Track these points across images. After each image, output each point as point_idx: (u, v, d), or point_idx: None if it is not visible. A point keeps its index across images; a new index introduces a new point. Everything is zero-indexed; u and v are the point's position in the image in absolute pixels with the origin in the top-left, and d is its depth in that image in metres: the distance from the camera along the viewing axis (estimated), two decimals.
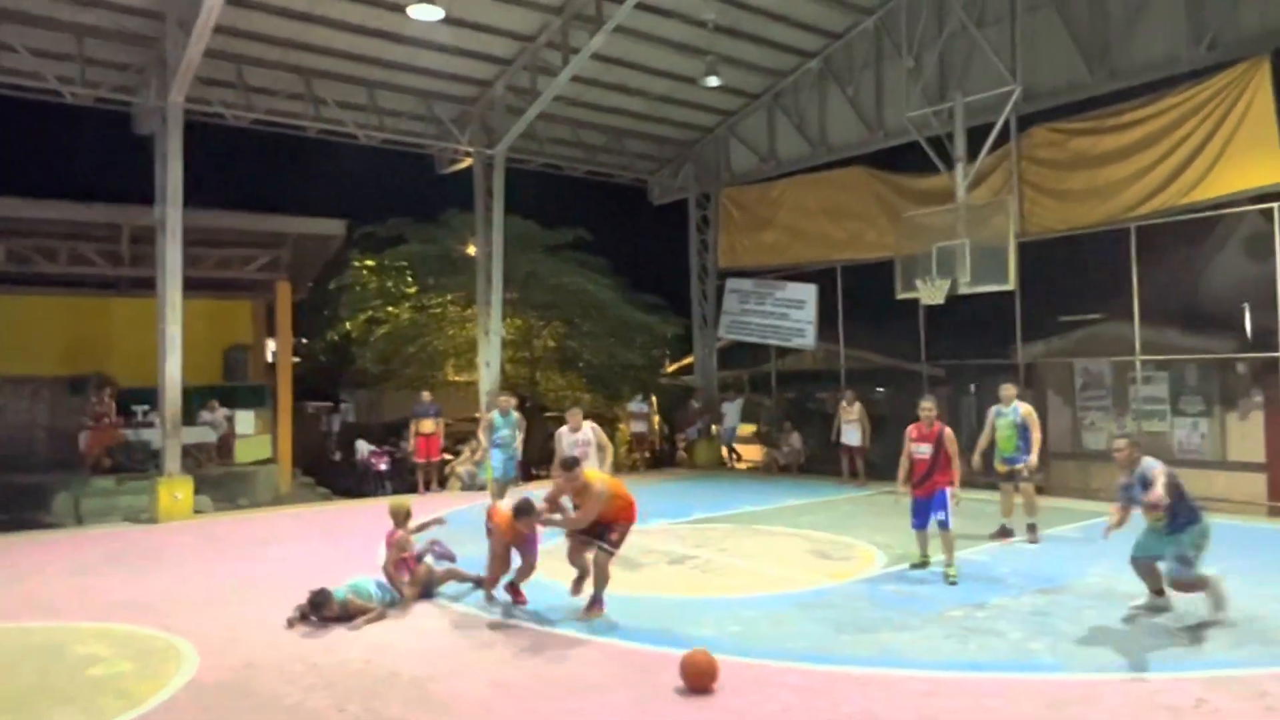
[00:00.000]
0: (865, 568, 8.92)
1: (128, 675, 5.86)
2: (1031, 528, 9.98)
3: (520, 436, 12.62)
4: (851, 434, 15.55)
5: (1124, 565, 8.44)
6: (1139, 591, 7.13)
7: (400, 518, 7.88)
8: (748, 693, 5.31)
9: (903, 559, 9.10)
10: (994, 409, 10.23)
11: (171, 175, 12.91)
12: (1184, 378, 14.32)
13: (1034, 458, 10.00)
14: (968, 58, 14.67)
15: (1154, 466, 6.57)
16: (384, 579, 7.64)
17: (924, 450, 8.36)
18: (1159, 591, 6.92)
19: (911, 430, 8.51)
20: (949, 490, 8.25)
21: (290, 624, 6.99)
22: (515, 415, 12.81)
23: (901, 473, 8.56)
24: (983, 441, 10.16)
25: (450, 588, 7.95)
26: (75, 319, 18.80)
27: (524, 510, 7.14)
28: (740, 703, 5.15)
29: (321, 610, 7.05)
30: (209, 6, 11.24)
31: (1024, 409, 10.06)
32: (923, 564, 8.58)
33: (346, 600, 7.12)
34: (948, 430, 8.42)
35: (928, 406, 8.56)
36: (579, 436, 9.68)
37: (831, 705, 5.07)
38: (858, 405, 15.57)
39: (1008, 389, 10.25)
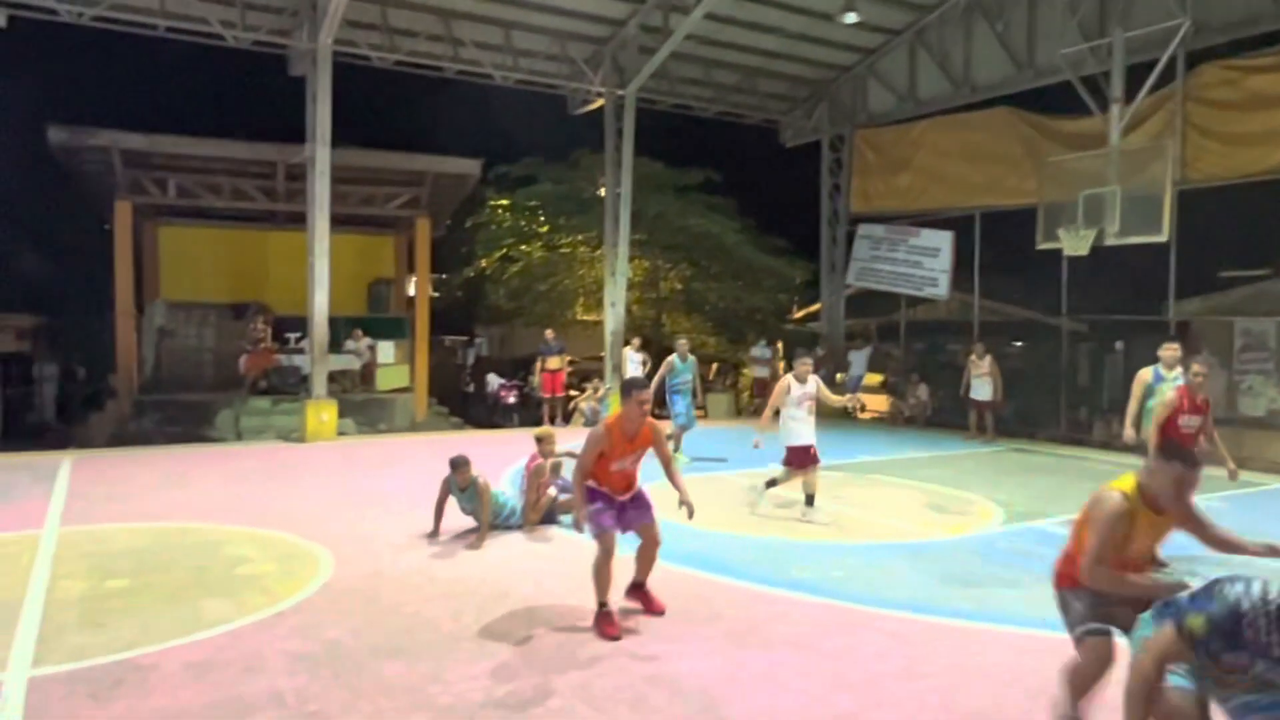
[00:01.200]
0: (982, 524, 8.74)
1: (271, 575, 6.46)
2: None
3: (696, 381, 12.56)
4: (981, 388, 15.06)
5: (1270, 537, 7.97)
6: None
7: (545, 444, 8.28)
8: (840, 635, 5.37)
9: (1023, 517, 8.86)
10: (1151, 372, 8.55)
11: (321, 115, 13.62)
12: None
13: (1211, 431, 8.19)
14: None
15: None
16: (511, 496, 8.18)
17: (1194, 424, 7.12)
18: None
19: (1179, 399, 7.14)
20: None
21: (431, 536, 7.61)
22: (694, 359, 12.64)
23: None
24: (1133, 409, 8.43)
25: (569, 516, 8.31)
26: (236, 250, 20.24)
27: (637, 384, 5.73)
28: (832, 645, 5.22)
29: (457, 470, 7.65)
30: None
31: None
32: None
33: (478, 479, 7.69)
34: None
35: (1201, 370, 7.18)
36: (807, 389, 8.98)
37: (923, 654, 5.08)
38: (988, 359, 15.03)
39: (1171, 350, 8.55)
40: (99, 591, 5.99)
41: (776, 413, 9.11)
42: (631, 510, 5.63)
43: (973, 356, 15.29)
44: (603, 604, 5.43)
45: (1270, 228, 13.70)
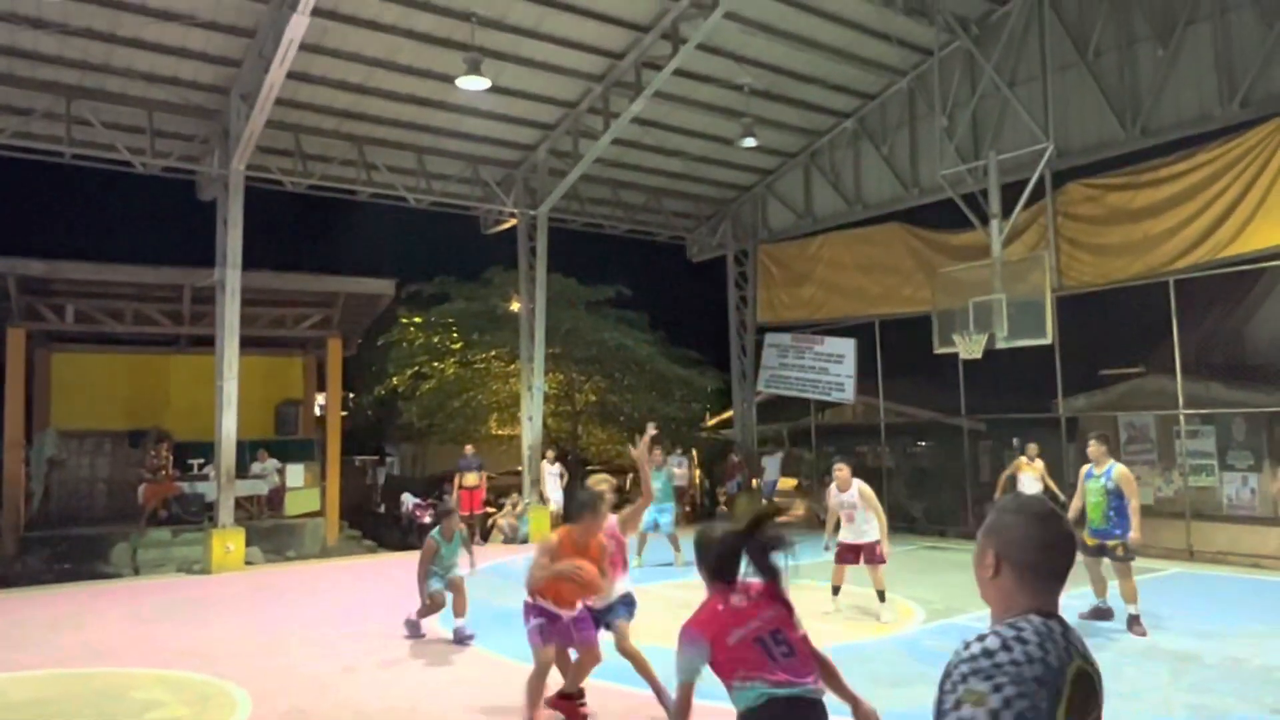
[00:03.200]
0: (905, 623, 8.93)
1: (185, 719, 6.12)
2: (1134, 619, 8.16)
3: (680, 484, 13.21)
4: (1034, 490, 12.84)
5: (1167, 622, 8.38)
6: (1184, 650, 7.07)
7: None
8: None
9: (942, 614, 9.10)
10: (1085, 469, 8.76)
11: (232, 239, 13.58)
12: (1231, 431, 14.14)
13: (1136, 532, 8.32)
14: (1000, 116, 14.93)
15: None
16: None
17: None
18: None
19: None
20: None
21: (422, 613, 8.44)
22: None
23: None
24: (1076, 505, 8.69)
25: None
26: (136, 375, 19.59)
27: (587, 505, 5.57)
28: None
29: (447, 518, 8.65)
30: (270, 81, 11.93)
31: (1119, 471, 8.51)
32: None
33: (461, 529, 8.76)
34: None
35: None
36: (844, 498, 9.03)
37: None
38: (1040, 461, 13.25)
39: (1096, 446, 8.68)
40: None
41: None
42: (575, 628, 5.67)
43: (1023, 458, 13.25)
44: None
45: (1140, 329, 14.85)
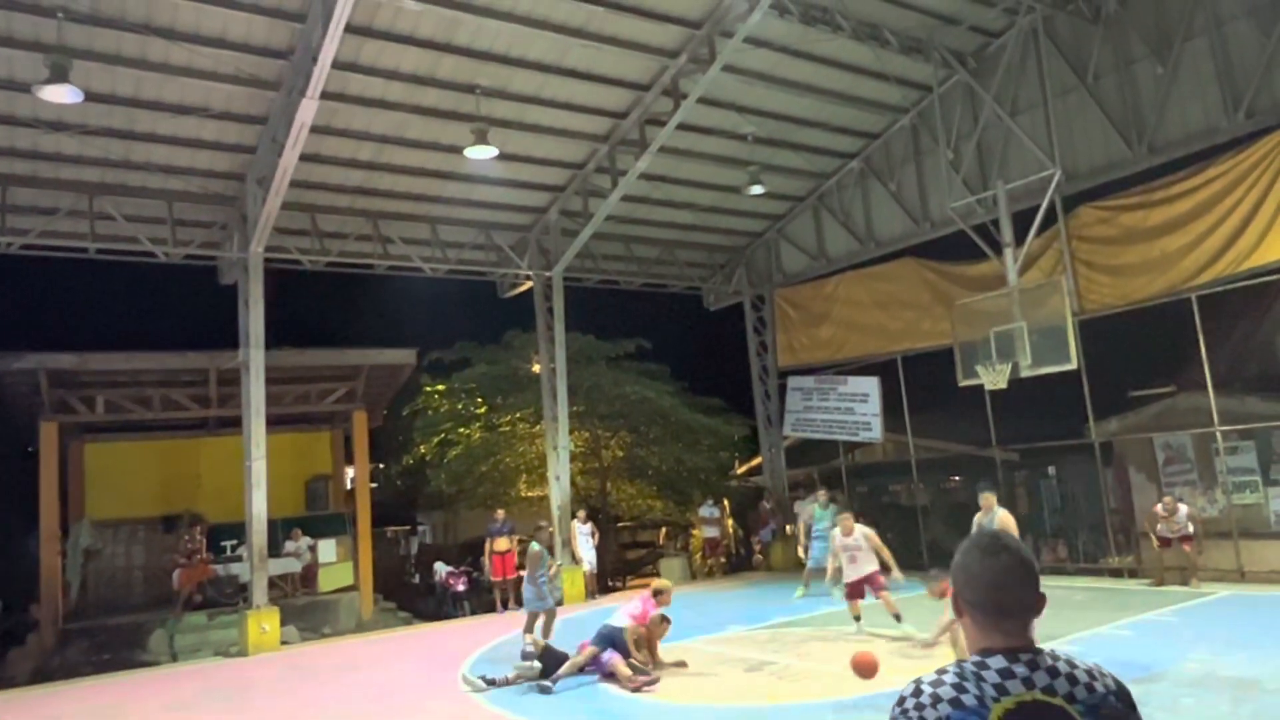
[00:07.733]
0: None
1: None
2: None
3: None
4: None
5: (1223, 648, 8.11)
6: (1243, 678, 6.83)
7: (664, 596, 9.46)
8: None
9: None
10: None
11: (254, 320, 13.78)
12: (1272, 445, 13.80)
13: None
14: (1005, 145, 14.97)
15: None
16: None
17: None
18: None
19: None
20: None
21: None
22: (835, 506, 14.28)
23: None
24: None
25: None
26: (167, 461, 19.76)
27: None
28: None
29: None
30: (284, 164, 12.22)
31: (1000, 518, 9.61)
32: None
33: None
34: None
35: None
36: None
37: None
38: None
39: (986, 498, 9.90)
40: None
41: None
42: None
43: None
44: None
45: (1168, 347, 14.61)
